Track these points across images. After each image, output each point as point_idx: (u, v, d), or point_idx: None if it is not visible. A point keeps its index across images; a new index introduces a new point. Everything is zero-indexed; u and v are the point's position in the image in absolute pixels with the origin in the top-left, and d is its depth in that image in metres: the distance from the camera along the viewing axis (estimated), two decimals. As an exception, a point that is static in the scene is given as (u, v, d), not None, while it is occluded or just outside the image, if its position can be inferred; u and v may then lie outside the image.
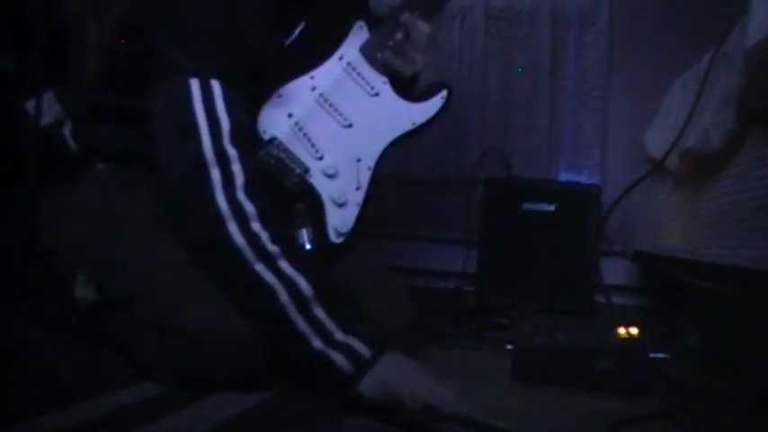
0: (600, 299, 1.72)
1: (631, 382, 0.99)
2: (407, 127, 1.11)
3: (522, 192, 1.83)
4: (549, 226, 1.79)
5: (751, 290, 0.95)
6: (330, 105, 1.07)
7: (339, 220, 1.07)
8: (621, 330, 1.09)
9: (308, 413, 0.83)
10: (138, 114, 0.97)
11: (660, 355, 1.21)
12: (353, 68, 1.08)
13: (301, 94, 1.06)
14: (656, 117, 1.43)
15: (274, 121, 1.04)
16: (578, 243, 1.75)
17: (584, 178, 2.05)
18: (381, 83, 1.09)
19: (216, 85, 0.88)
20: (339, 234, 1.07)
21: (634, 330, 1.10)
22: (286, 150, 1.04)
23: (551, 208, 1.79)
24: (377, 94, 1.09)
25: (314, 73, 1.07)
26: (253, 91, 0.98)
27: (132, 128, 1.00)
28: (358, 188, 1.08)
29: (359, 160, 1.09)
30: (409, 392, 0.78)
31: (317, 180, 1.06)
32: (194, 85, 0.87)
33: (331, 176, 1.06)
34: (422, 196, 2.16)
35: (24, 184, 1.58)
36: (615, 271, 1.87)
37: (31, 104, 1.47)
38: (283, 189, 1.03)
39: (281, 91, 1.05)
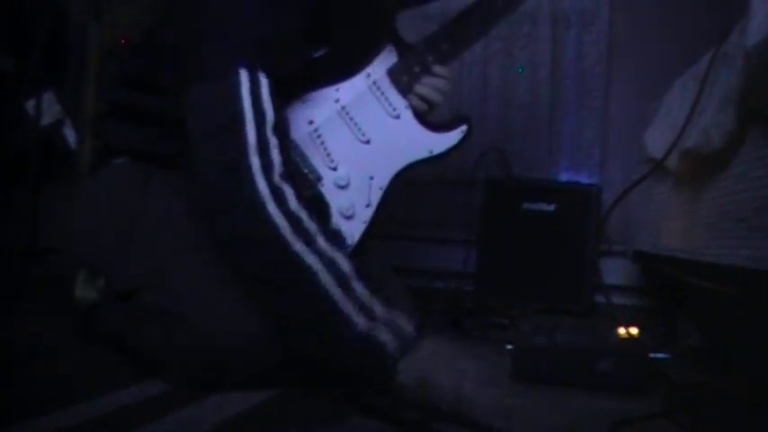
0: (600, 299, 1.72)
1: (631, 382, 0.99)
2: (424, 154, 1.13)
3: (522, 192, 1.82)
4: (549, 226, 1.78)
5: (751, 290, 0.95)
6: (351, 119, 1.09)
7: (345, 233, 1.07)
8: (621, 330, 1.09)
9: (310, 413, 0.83)
10: (152, 114, 0.98)
11: (660, 355, 1.21)
12: (378, 88, 1.11)
13: (324, 103, 1.08)
14: (656, 117, 1.43)
15: (294, 125, 1.05)
16: (578, 243, 1.75)
17: (584, 178, 2.06)
18: (404, 107, 1.12)
19: (263, 78, 0.89)
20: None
21: (634, 330, 1.10)
22: (302, 155, 1.06)
23: (551, 208, 1.79)
24: (398, 117, 1.12)
25: (339, 86, 1.09)
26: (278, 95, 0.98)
27: (147, 127, 1.00)
28: (368, 206, 1.09)
29: (372, 178, 1.10)
30: (445, 378, 0.80)
31: (327, 189, 1.07)
32: (243, 75, 0.88)
33: (342, 188, 1.08)
34: (422, 196, 2.16)
35: (24, 184, 1.58)
36: (615, 271, 1.87)
37: (31, 104, 1.47)
38: None
39: (306, 97, 1.06)
